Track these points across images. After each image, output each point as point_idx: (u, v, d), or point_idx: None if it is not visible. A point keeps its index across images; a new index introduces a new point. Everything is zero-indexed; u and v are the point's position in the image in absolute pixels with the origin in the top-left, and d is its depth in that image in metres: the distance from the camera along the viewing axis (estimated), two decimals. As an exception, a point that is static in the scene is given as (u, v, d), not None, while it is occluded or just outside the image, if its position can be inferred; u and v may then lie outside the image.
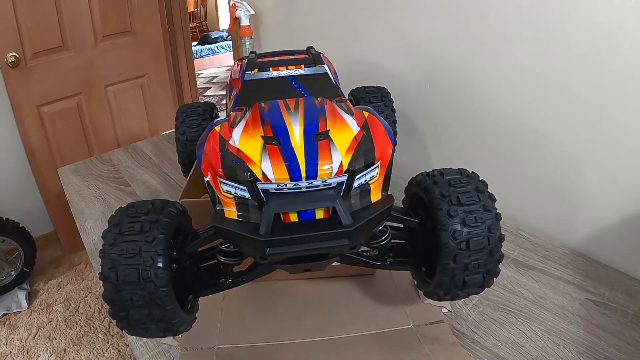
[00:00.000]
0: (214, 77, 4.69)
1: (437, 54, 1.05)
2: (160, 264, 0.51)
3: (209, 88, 4.39)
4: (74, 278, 2.10)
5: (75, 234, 2.11)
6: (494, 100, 0.98)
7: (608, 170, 0.85)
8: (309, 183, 0.49)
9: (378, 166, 0.54)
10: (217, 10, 5.53)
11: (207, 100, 3.93)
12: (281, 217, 0.51)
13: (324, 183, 0.50)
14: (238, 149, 0.52)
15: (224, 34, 5.34)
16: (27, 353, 1.72)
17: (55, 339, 1.77)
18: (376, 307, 0.75)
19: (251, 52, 0.78)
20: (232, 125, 0.57)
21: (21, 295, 1.96)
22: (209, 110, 0.96)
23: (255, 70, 0.69)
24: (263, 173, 0.49)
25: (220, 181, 0.52)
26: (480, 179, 0.60)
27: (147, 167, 1.26)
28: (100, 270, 0.52)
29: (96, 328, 1.81)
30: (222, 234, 0.55)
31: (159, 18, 2.22)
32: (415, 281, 0.70)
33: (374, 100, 0.95)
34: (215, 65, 5.00)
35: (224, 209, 0.53)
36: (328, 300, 0.76)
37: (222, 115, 1.02)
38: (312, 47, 0.79)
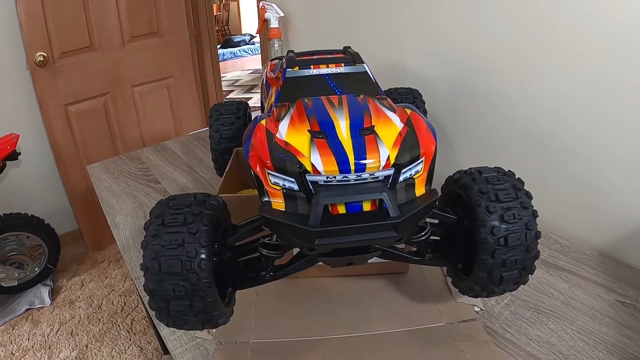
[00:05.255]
0: (236, 80, 4.73)
1: (467, 59, 1.06)
2: (203, 256, 0.52)
3: (232, 91, 4.43)
4: (97, 276, 2.13)
5: (99, 232, 2.18)
6: (521, 106, 0.99)
7: (635, 172, 0.85)
8: (358, 176, 0.50)
9: (422, 161, 0.55)
10: (239, 14, 5.58)
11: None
12: (329, 209, 0.51)
13: (372, 176, 0.51)
14: (286, 142, 0.53)
15: (246, 38, 5.39)
16: (49, 348, 1.74)
17: (78, 335, 1.80)
18: (409, 305, 0.76)
19: (289, 51, 0.79)
20: (278, 120, 0.58)
21: (44, 291, 1.99)
22: (243, 109, 0.98)
23: (296, 68, 0.70)
24: (312, 165, 0.50)
25: (269, 173, 0.53)
26: (517, 177, 0.61)
27: (176, 166, 1.28)
28: (142, 261, 0.53)
29: (119, 325, 1.84)
30: (270, 225, 0.56)
31: (185, 20, 2.25)
32: (450, 278, 0.71)
33: (406, 101, 0.96)
34: (237, 68, 5.04)
35: (272, 200, 0.54)
36: (361, 298, 0.77)
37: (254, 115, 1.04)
38: (349, 47, 0.80)
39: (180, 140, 1.44)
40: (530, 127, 0.99)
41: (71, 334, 1.80)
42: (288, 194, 0.53)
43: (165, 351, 1.64)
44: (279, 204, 0.54)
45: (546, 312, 0.77)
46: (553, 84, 0.92)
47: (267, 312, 0.75)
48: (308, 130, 0.54)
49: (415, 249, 0.66)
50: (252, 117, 1.01)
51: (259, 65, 4.94)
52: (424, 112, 0.98)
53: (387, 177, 0.52)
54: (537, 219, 0.59)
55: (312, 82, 0.68)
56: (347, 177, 0.50)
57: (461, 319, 0.74)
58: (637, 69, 0.79)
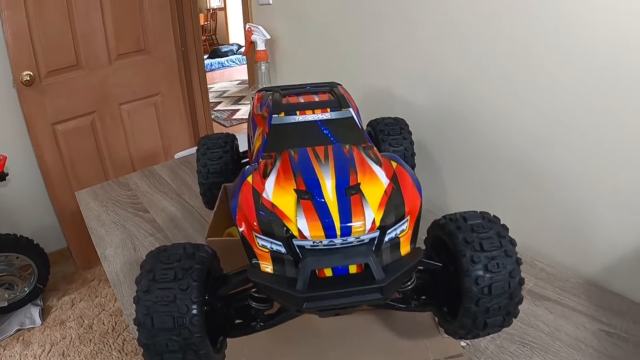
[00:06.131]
0: (224, 92, 4.71)
1: (452, 85, 1.08)
2: (195, 311, 0.53)
3: (219, 103, 4.42)
4: (87, 295, 2.13)
5: (88, 251, 2.17)
6: (507, 133, 1.01)
7: (621, 199, 0.87)
8: (344, 240, 0.51)
9: (407, 220, 0.56)
10: (226, 24, 5.56)
11: (218, 114, 3.99)
12: (316, 272, 0.52)
13: (357, 239, 0.52)
14: (272, 204, 0.54)
15: (234, 48, 5.37)
16: (41, 370, 1.74)
17: (69, 355, 1.80)
18: (396, 341, 0.77)
19: (275, 92, 0.79)
20: (264, 176, 0.58)
21: (35, 312, 1.99)
22: (230, 142, 0.98)
23: (282, 114, 0.71)
24: (299, 230, 0.51)
25: (256, 236, 0.54)
26: (502, 223, 0.62)
27: (165, 193, 1.28)
28: (136, 315, 0.54)
29: (110, 346, 1.83)
30: (259, 287, 0.57)
31: (172, 36, 2.26)
32: (436, 318, 0.72)
33: (393, 132, 0.97)
34: (225, 79, 5.02)
35: (260, 262, 0.55)
36: (350, 335, 0.78)
37: (241, 139, 1.04)
38: (335, 85, 0.81)
39: (168, 165, 1.44)
40: (517, 154, 1.00)
41: (62, 355, 1.80)
42: (276, 257, 0.54)
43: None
44: (267, 266, 0.55)
45: (531, 344, 0.79)
46: (537, 111, 0.94)
47: (259, 353, 0.75)
48: (294, 190, 0.55)
49: (400, 296, 0.67)
50: (239, 148, 1.03)
51: (246, 76, 4.91)
52: (411, 143, 0.99)
53: (372, 239, 0.53)
54: (520, 265, 0.60)
55: (302, 130, 0.69)
56: (333, 241, 0.51)
57: (448, 355, 0.75)
58: (623, 94, 0.80)
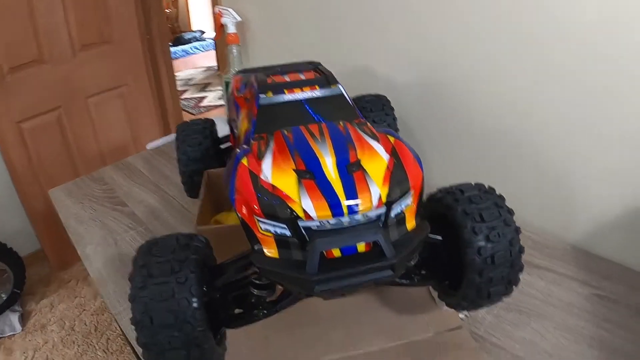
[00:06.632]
0: (190, 79, 4.62)
1: (435, 62, 1.07)
2: (195, 305, 0.50)
3: (185, 91, 4.33)
4: (66, 296, 2.07)
5: (63, 251, 2.11)
6: (493, 106, 1.00)
7: (606, 166, 0.87)
8: (351, 218, 0.50)
9: (412, 194, 0.55)
10: (188, 11, 5.43)
11: (185, 103, 3.91)
12: (324, 253, 0.50)
13: (365, 217, 0.50)
14: (273, 186, 0.52)
15: (197, 34, 5.26)
16: (26, 377, 1.69)
17: (54, 360, 1.75)
18: (396, 318, 0.77)
19: (259, 72, 0.76)
20: (259, 157, 0.56)
21: (14, 318, 1.92)
22: (209, 127, 0.95)
23: (270, 94, 0.68)
24: (304, 211, 0.49)
25: (258, 220, 0.52)
26: (498, 193, 0.62)
27: (142, 185, 1.24)
28: (132, 314, 0.51)
29: (94, 346, 1.79)
30: (265, 273, 0.55)
31: (136, 25, 2.19)
32: (436, 292, 0.72)
33: (375, 109, 0.96)
34: (190, 66, 4.91)
35: (263, 247, 0.53)
36: (350, 315, 0.77)
37: (219, 124, 1.01)
38: (319, 64, 0.79)
39: (143, 156, 1.39)
40: (502, 127, 1.00)
41: (46, 360, 1.75)
42: (280, 241, 0.52)
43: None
44: (272, 251, 0.52)
45: (527, 312, 0.79)
46: (523, 83, 0.93)
47: (258, 338, 0.74)
48: (294, 170, 0.53)
49: (403, 272, 0.66)
50: (218, 133, 0.99)
51: (211, 62, 4.84)
52: (394, 119, 0.98)
53: (379, 216, 0.51)
54: (519, 234, 0.60)
55: (289, 109, 0.66)
56: (340, 220, 0.49)
57: (448, 328, 0.75)
58: (609, 68, 0.80)
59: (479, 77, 1.00)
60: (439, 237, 0.63)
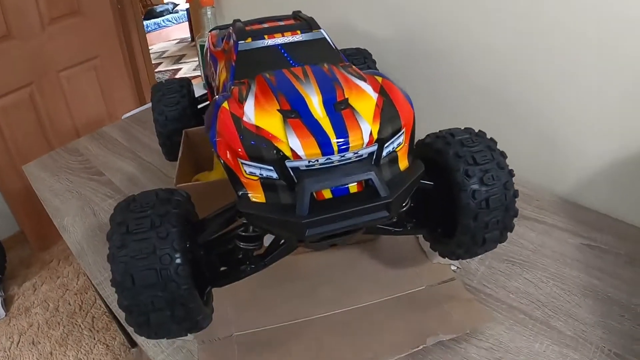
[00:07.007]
0: (163, 52, 4.54)
1: (417, 14, 1.03)
2: (179, 260, 0.47)
3: (160, 63, 4.25)
4: (48, 277, 2.02)
5: (43, 231, 2.05)
6: (478, 60, 0.97)
7: (595, 118, 0.86)
8: (341, 156, 0.47)
9: (403, 132, 0.52)
10: (159, -17, 5.27)
11: (160, 75, 3.82)
12: (314, 195, 0.48)
13: (356, 155, 0.48)
14: (257, 126, 0.49)
15: (169, 7, 5.12)
16: (13, 362, 1.65)
17: (40, 343, 1.71)
18: (386, 272, 0.75)
19: (235, 20, 0.72)
20: (241, 101, 0.53)
21: (-3, 303, 1.88)
22: (186, 86, 0.91)
23: (249, 40, 0.64)
24: (292, 150, 0.46)
25: (243, 163, 0.49)
26: (489, 137, 0.60)
27: (119, 153, 1.20)
28: (112, 276, 0.48)
29: (80, 325, 1.76)
30: (252, 220, 0.52)
31: (106, -5, 2.10)
32: (428, 242, 0.70)
33: (356, 63, 0.92)
34: (163, 39, 4.81)
35: (249, 193, 0.50)
36: (339, 270, 0.75)
37: (197, 88, 0.98)
38: (299, 12, 0.75)
39: (118, 125, 1.34)
40: (488, 82, 0.97)
41: (33, 344, 1.71)
42: (267, 184, 0.49)
43: (133, 344, 1.58)
44: (257, 196, 0.49)
45: (519, 262, 0.78)
46: (512, 36, 0.90)
47: (246, 299, 0.71)
48: (278, 110, 0.49)
49: (395, 219, 0.64)
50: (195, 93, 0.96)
51: (184, 34, 4.75)
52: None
53: (370, 154, 0.48)
54: (513, 177, 0.58)
55: (270, 54, 0.63)
56: (330, 159, 0.47)
57: (440, 280, 0.73)
58: (598, 17, 0.78)
59: (462, 29, 0.96)
60: (431, 183, 0.60)
